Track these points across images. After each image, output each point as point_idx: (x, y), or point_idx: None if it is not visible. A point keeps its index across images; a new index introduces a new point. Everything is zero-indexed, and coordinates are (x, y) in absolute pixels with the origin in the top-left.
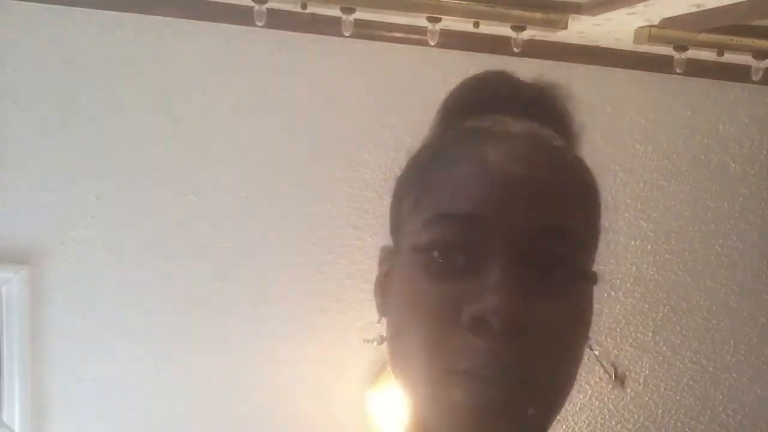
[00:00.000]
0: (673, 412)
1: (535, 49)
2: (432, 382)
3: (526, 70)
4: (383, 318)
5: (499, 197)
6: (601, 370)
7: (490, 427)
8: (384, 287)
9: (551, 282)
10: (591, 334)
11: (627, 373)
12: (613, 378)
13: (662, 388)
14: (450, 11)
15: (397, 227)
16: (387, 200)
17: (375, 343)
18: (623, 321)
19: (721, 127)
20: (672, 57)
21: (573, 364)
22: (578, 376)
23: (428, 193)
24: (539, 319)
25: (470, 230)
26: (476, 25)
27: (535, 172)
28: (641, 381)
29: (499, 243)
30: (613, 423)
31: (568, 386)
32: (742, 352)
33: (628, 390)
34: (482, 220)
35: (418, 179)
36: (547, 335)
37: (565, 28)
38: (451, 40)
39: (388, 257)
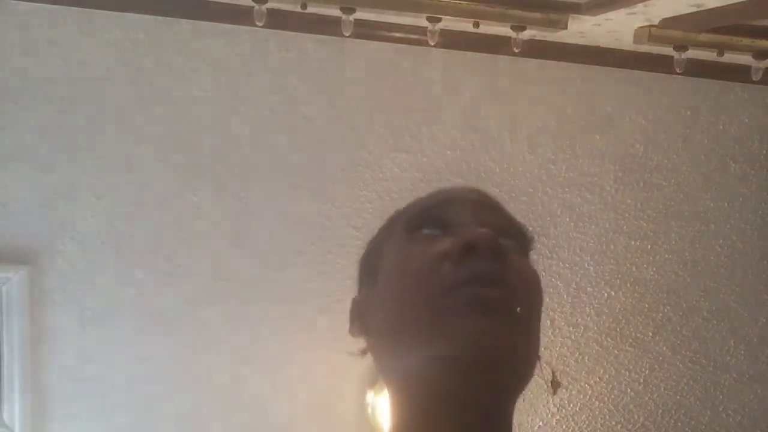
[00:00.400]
0: (673, 412)
1: (535, 49)
2: (434, 328)
3: (526, 70)
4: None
5: None
6: (601, 370)
7: (490, 331)
8: (362, 306)
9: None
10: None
11: (560, 381)
12: (549, 384)
13: (662, 388)
14: (450, 11)
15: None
16: (387, 200)
17: (360, 354)
18: (623, 321)
19: (721, 127)
20: (672, 57)
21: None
22: (578, 377)
23: None
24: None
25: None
26: (476, 25)
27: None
28: (641, 381)
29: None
30: (613, 423)
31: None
32: (742, 352)
33: (628, 390)
34: None
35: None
36: (521, 274)
37: (565, 28)
38: (451, 40)
39: (362, 286)
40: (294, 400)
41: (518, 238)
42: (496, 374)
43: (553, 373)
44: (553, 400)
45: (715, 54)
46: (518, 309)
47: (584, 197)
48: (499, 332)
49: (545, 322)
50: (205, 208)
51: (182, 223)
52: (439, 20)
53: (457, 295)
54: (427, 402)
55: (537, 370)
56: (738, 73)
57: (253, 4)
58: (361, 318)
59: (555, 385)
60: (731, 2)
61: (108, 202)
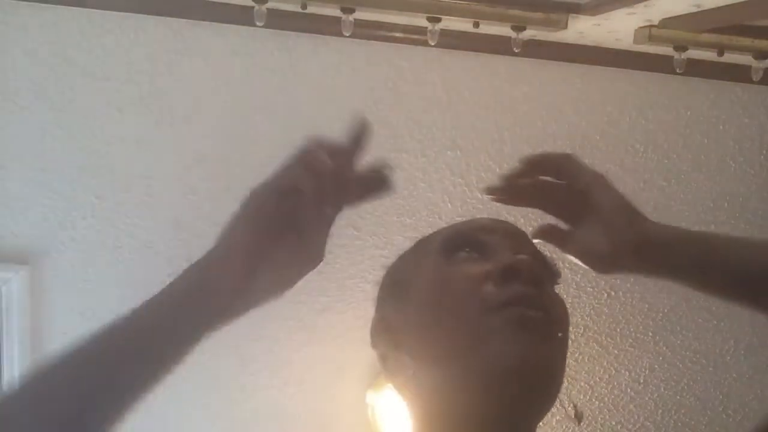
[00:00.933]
0: (673, 412)
1: (535, 49)
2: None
3: (526, 70)
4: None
5: None
6: (601, 370)
7: (531, 352)
8: (391, 324)
9: None
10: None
11: (583, 411)
12: (573, 416)
13: (662, 388)
14: (450, 11)
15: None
16: (387, 200)
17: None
18: (623, 321)
19: (721, 127)
20: (672, 57)
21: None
22: (578, 377)
23: None
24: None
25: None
26: (476, 25)
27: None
28: (641, 381)
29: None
30: (613, 423)
31: (562, 373)
32: (742, 352)
33: (628, 390)
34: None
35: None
36: (556, 304)
37: (565, 28)
38: (451, 40)
39: (386, 304)
40: (294, 399)
41: (549, 270)
42: (535, 392)
43: (575, 406)
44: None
45: (715, 54)
46: (559, 334)
47: None
48: (543, 353)
49: None
50: (205, 208)
51: (182, 223)
52: (439, 20)
53: (502, 313)
54: (460, 418)
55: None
56: (738, 73)
57: (253, 4)
58: (390, 334)
59: (579, 416)
60: (731, 2)
61: (108, 202)
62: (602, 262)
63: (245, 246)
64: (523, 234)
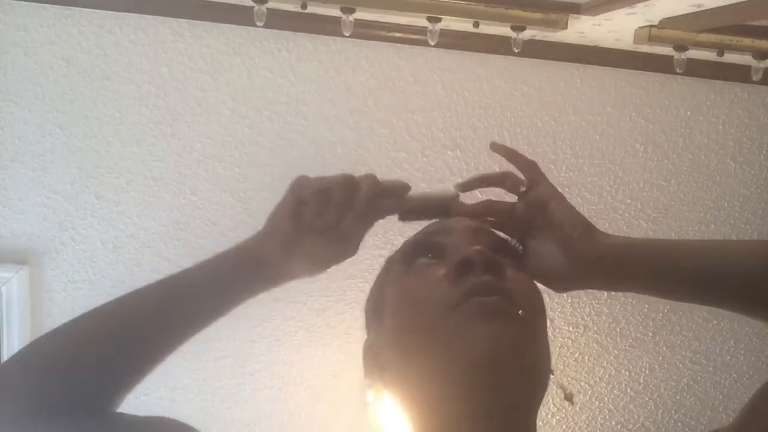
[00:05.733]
0: (673, 412)
1: (535, 49)
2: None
3: (526, 70)
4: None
5: None
6: (601, 370)
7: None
8: (375, 348)
9: None
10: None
11: (573, 392)
12: (564, 396)
13: (662, 388)
14: (450, 11)
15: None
16: None
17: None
18: (623, 321)
19: (721, 127)
20: (672, 57)
21: (543, 333)
22: (578, 377)
23: None
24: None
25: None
26: (476, 25)
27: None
28: (641, 381)
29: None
30: (613, 423)
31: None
32: (742, 352)
33: (628, 390)
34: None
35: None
36: (518, 283)
37: (565, 28)
38: (451, 40)
39: (369, 329)
40: (294, 400)
41: (512, 255)
42: (514, 375)
43: (563, 388)
44: (553, 401)
45: (715, 54)
46: (520, 312)
47: (584, 197)
48: (509, 333)
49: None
50: (205, 208)
51: (182, 223)
52: (439, 20)
53: (462, 308)
54: (455, 419)
55: (551, 384)
56: (738, 73)
57: (253, 4)
58: (376, 358)
59: (569, 396)
60: (731, 2)
61: (108, 202)
62: (559, 278)
63: (284, 232)
64: (481, 228)
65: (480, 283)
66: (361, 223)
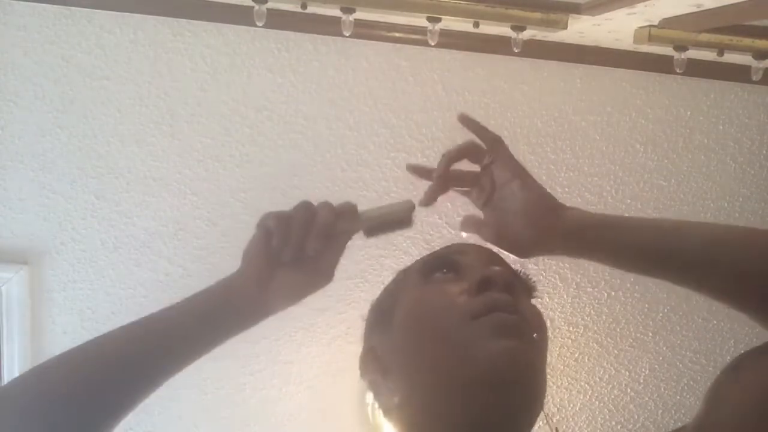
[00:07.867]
0: (673, 412)
1: (535, 49)
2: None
3: (526, 70)
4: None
5: None
6: (601, 370)
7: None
8: (378, 351)
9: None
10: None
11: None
12: None
13: (662, 388)
14: (450, 11)
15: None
16: (387, 200)
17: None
18: (623, 321)
19: (721, 127)
20: (672, 57)
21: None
22: (578, 377)
23: None
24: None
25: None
26: (476, 25)
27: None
28: (641, 381)
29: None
30: (613, 423)
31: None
32: (742, 352)
33: (628, 390)
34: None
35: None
36: (530, 310)
37: (565, 28)
38: (451, 40)
39: (373, 334)
40: (294, 400)
41: (523, 283)
42: (522, 394)
43: (557, 430)
44: (553, 401)
45: (715, 54)
46: (534, 335)
47: (584, 197)
48: (524, 352)
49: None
50: (205, 207)
51: (182, 223)
52: (439, 20)
53: (482, 320)
54: (455, 426)
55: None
56: (738, 73)
57: (253, 4)
58: (377, 362)
59: None
60: (731, 2)
61: (108, 202)
62: (521, 246)
63: (258, 270)
64: (495, 253)
65: (501, 299)
66: (327, 248)
